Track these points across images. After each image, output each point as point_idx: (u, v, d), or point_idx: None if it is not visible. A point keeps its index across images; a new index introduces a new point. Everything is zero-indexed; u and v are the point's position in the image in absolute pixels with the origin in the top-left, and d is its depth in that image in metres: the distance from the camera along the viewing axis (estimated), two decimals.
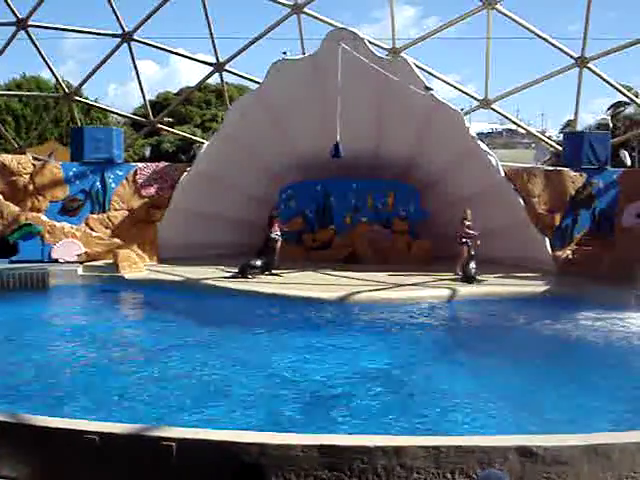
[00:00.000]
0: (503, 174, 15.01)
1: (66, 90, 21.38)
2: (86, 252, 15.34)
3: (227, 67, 19.67)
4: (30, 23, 18.99)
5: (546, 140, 22.06)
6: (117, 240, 15.56)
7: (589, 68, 17.56)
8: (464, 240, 13.76)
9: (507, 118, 20.64)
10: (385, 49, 18.25)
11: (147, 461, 4.45)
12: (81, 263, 14.78)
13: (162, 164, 16.77)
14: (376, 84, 14.27)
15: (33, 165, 15.68)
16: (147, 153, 23.98)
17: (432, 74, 18.51)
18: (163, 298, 12.42)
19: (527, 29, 17.82)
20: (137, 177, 16.18)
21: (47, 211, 15.53)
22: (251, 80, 20.03)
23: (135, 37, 19.25)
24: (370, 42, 15.20)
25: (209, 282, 12.98)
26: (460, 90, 19.30)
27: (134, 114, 28.01)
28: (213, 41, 19.21)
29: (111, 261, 14.46)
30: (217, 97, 39.63)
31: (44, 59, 19.95)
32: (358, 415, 6.19)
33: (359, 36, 14.36)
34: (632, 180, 15.62)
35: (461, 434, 5.35)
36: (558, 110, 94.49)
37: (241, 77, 20.73)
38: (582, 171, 15.69)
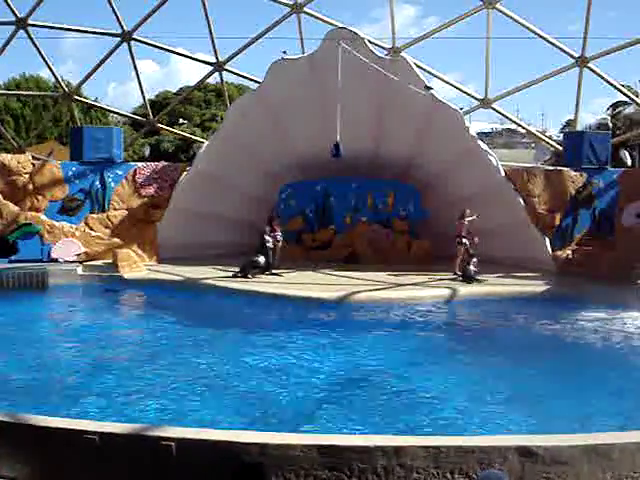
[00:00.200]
0: (503, 174, 15.00)
1: (66, 89, 21.37)
2: (85, 252, 15.32)
3: (227, 67, 19.65)
4: (30, 22, 18.97)
5: (546, 140, 22.06)
6: (117, 240, 15.54)
7: (589, 68, 17.56)
8: (463, 240, 13.74)
9: (507, 118, 20.63)
10: (385, 48, 18.25)
11: (147, 461, 4.44)
12: (81, 263, 14.76)
13: (162, 164, 16.75)
14: (376, 84, 14.26)
15: (32, 165, 15.65)
16: (147, 153, 23.99)
17: (432, 73, 18.51)
18: (163, 298, 12.41)
19: (527, 29, 17.81)
20: (137, 177, 16.16)
21: (46, 211, 15.51)
22: (251, 80, 20.02)
23: (135, 36, 19.22)
24: (370, 42, 15.18)
25: (209, 282, 12.97)
26: (460, 90, 19.30)
27: (134, 114, 28.00)
28: (213, 40, 19.21)
29: (111, 261, 14.45)
30: (217, 97, 39.62)
31: (44, 58, 19.94)
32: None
33: (359, 36, 14.36)
34: (632, 180, 15.62)
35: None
36: (558, 110, 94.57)
37: (241, 77, 20.73)
38: (582, 171, 15.68)
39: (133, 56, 19.70)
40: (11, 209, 15.27)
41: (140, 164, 16.73)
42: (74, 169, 15.86)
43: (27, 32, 19.07)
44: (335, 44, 13.44)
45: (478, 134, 17.69)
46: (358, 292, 11.86)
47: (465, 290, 12.40)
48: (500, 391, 7.06)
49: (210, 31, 19.01)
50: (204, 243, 16.19)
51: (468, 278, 13.14)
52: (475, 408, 6.47)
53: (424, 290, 12.47)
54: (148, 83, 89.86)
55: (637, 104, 23.96)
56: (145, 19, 19.06)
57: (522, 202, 14.92)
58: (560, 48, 17.77)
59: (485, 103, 18.63)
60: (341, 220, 17.19)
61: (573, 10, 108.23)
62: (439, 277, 13.52)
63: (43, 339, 9.44)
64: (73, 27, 20.21)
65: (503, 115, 20.03)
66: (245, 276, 13.51)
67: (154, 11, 18.97)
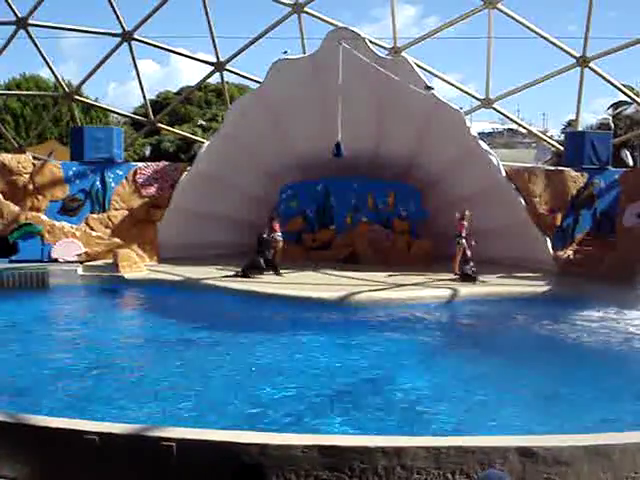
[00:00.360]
0: (504, 174, 14.99)
1: (66, 89, 21.37)
2: (86, 252, 15.32)
3: (227, 66, 19.65)
4: (30, 22, 18.98)
5: (547, 140, 22.05)
6: (117, 240, 15.54)
7: (590, 68, 17.54)
8: (462, 240, 13.71)
9: (508, 118, 20.62)
10: (386, 48, 18.24)
11: (147, 461, 4.43)
12: (81, 263, 14.76)
13: (162, 164, 16.75)
14: (377, 84, 14.26)
15: (33, 165, 15.66)
16: (147, 152, 23.98)
17: (433, 73, 18.50)
18: (163, 298, 12.41)
19: (528, 28, 17.81)
20: (137, 177, 16.16)
21: (47, 211, 15.51)
22: (251, 80, 20.02)
23: (135, 36, 19.23)
24: (371, 42, 15.18)
25: (209, 282, 12.97)
26: (461, 90, 19.29)
27: (134, 113, 27.99)
28: (213, 40, 19.20)
29: (111, 261, 14.45)
30: (217, 96, 39.60)
31: (44, 58, 19.94)
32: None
33: (360, 35, 14.35)
34: (633, 180, 15.59)
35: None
36: (559, 110, 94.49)
37: (241, 76, 20.72)
38: (583, 171, 15.68)
39: (134, 56, 19.72)
40: (11, 209, 15.27)
41: (141, 164, 16.73)
42: (74, 169, 15.87)
43: (27, 32, 19.08)
44: (336, 44, 13.43)
45: (479, 134, 17.65)
46: (358, 292, 11.85)
47: (466, 290, 12.38)
48: (503, 391, 7.06)
49: (211, 31, 19.03)
50: (204, 243, 16.20)
51: (467, 277, 13.13)
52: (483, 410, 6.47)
53: (424, 290, 12.46)
54: (149, 83, 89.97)
55: (638, 104, 23.94)
56: (146, 19, 19.06)
57: (523, 202, 14.91)
58: (561, 48, 17.76)
59: (486, 103, 18.62)
60: (341, 220, 17.19)
61: (573, 10, 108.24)
62: (439, 277, 13.51)
63: (43, 338, 9.43)
64: (73, 27, 20.22)
65: (504, 115, 20.03)
66: (245, 276, 13.51)
67: (155, 11, 18.97)
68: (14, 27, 19.02)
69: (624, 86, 21.16)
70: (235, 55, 19.50)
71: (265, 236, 14.39)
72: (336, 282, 13.25)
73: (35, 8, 18.76)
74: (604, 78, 17.95)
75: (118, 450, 4.50)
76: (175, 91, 42.88)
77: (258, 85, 16.28)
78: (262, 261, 13.95)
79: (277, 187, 17.26)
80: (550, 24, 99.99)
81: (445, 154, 15.34)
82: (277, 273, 13.94)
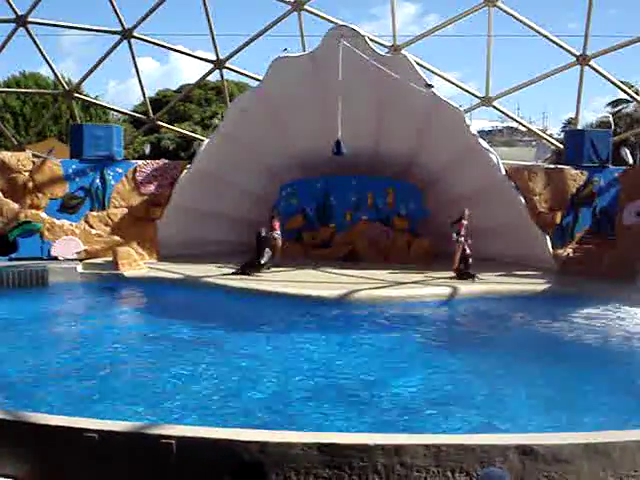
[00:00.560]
0: (504, 172, 14.98)
1: (66, 87, 21.35)
2: (86, 249, 15.32)
3: (227, 64, 19.63)
4: (29, 20, 18.95)
5: (547, 138, 22.03)
6: (117, 238, 15.54)
7: (591, 66, 17.53)
8: (460, 239, 13.70)
9: (508, 116, 20.61)
10: (386, 46, 18.22)
11: (147, 459, 4.43)
12: (81, 261, 14.75)
13: (162, 161, 16.73)
14: (377, 82, 14.23)
15: (33, 162, 15.65)
16: (147, 150, 23.97)
17: (433, 71, 18.47)
18: (163, 295, 12.41)
19: (528, 26, 17.79)
20: (137, 174, 16.15)
21: (47, 208, 15.50)
22: (251, 77, 20.00)
23: (135, 34, 19.20)
24: (371, 39, 15.16)
25: (209, 280, 12.97)
26: (461, 88, 19.28)
27: (134, 111, 27.99)
28: (213, 38, 19.18)
29: (111, 259, 14.44)
30: (217, 94, 39.55)
31: (44, 56, 19.90)
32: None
33: (359, 33, 14.33)
34: (633, 178, 15.59)
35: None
36: (559, 108, 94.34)
37: (241, 74, 20.71)
38: (583, 169, 15.66)
39: (133, 54, 19.70)
40: (11, 207, 15.26)
41: (140, 162, 16.72)
42: (74, 167, 15.86)
43: (27, 30, 19.05)
44: (336, 42, 13.41)
45: (479, 132, 17.65)
46: (358, 290, 11.85)
47: (465, 288, 12.38)
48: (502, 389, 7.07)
49: (210, 29, 19.01)
50: (204, 241, 16.19)
51: (464, 275, 13.14)
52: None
53: (424, 288, 12.46)
54: (148, 81, 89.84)
55: (638, 102, 23.92)
56: (145, 17, 19.03)
57: (523, 200, 14.91)
58: (561, 46, 17.74)
59: (486, 101, 18.61)
60: (341, 218, 17.19)
61: (573, 8, 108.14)
62: (439, 275, 13.52)
63: (42, 337, 9.43)
64: (73, 25, 20.19)
65: (504, 113, 20.01)
66: (245, 274, 13.52)
67: (154, 9, 18.95)
68: (14, 25, 19.00)
69: (623, 83, 21.16)
70: (235, 53, 19.47)
71: (263, 234, 14.39)
72: (336, 280, 13.25)
73: (34, 6, 18.74)
74: (604, 76, 17.94)
75: (118, 448, 4.50)
76: (175, 89, 42.89)
77: (258, 83, 16.26)
78: (263, 260, 13.95)
79: (277, 185, 17.25)
80: (550, 22, 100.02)
81: (445, 152, 15.33)
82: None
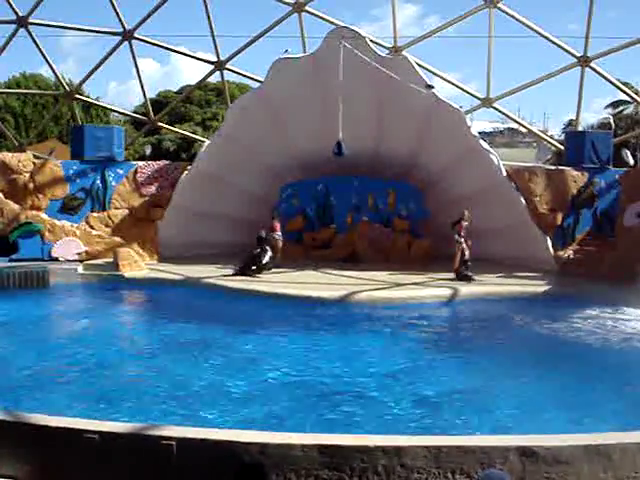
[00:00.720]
0: (505, 173, 14.97)
1: (67, 88, 21.36)
2: (86, 250, 15.33)
3: (228, 65, 19.63)
4: (30, 21, 18.97)
5: (548, 139, 22.04)
6: (117, 239, 15.54)
7: (591, 67, 17.53)
8: (460, 239, 13.70)
9: (509, 117, 20.61)
10: (386, 48, 18.23)
11: (147, 460, 4.43)
12: (81, 262, 14.76)
13: (163, 162, 16.75)
14: (377, 83, 14.24)
15: (33, 163, 15.66)
16: (148, 151, 23.99)
17: (433, 73, 18.47)
18: (163, 296, 12.41)
19: (529, 28, 17.79)
20: (137, 175, 16.17)
21: (47, 209, 15.52)
22: (252, 79, 20.00)
23: (136, 35, 19.21)
24: (371, 41, 15.16)
25: (210, 281, 12.97)
26: (462, 89, 19.28)
27: (135, 112, 27.98)
28: (214, 39, 19.19)
29: (111, 260, 14.45)
30: (217, 95, 39.58)
31: (44, 57, 19.91)
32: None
33: (360, 35, 14.34)
34: (634, 180, 15.59)
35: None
36: (560, 109, 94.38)
37: (242, 75, 20.71)
38: (584, 170, 15.67)
39: (134, 55, 19.70)
40: (12, 208, 15.27)
41: (141, 163, 16.74)
42: (75, 168, 15.88)
43: (28, 31, 19.07)
44: (337, 43, 13.42)
45: (480, 133, 17.67)
46: (359, 292, 11.85)
47: (466, 290, 12.38)
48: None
49: (211, 30, 19.02)
50: (205, 242, 16.19)
51: (463, 277, 13.15)
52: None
53: (425, 290, 12.45)
54: (149, 82, 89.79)
55: (638, 103, 23.93)
56: (146, 18, 19.05)
57: (523, 202, 14.90)
58: (562, 47, 17.75)
59: (487, 102, 18.61)
60: (342, 219, 17.19)
61: (573, 9, 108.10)
62: (439, 277, 13.51)
63: (42, 338, 9.44)
64: (74, 26, 20.20)
65: (505, 114, 20.01)
66: (245, 274, 13.53)
67: (155, 10, 18.96)
68: (14, 26, 19.02)
69: (624, 85, 21.17)
70: (235, 54, 19.49)
71: (264, 235, 14.39)
72: (336, 281, 13.25)
73: (35, 7, 18.75)
74: (605, 78, 17.94)
75: (118, 449, 4.50)
76: (175, 90, 42.89)
77: (258, 84, 16.28)
78: (264, 260, 13.97)
79: (277, 186, 17.25)
80: (551, 23, 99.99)
81: (445, 153, 15.33)
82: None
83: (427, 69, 17.79)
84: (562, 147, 18.47)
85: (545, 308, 11.40)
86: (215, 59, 19.57)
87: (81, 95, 23.61)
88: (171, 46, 20.67)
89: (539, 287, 12.74)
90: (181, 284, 13.01)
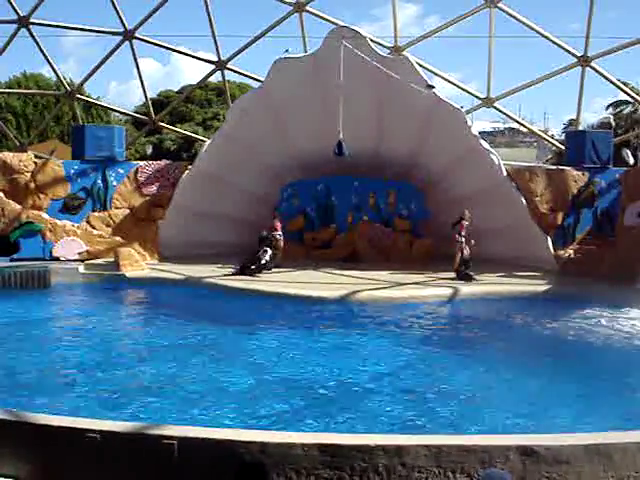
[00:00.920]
0: (505, 173, 14.98)
1: (68, 88, 21.38)
2: (87, 250, 15.35)
3: (229, 65, 19.65)
4: (31, 20, 18.98)
5: (548, 139, 22.05)
6: (118, 238, 15.56)
7: (592, 67, 17.53)
8: (461, 239, 13.70)
9: (509, 117, 20.61)
10: (387, 47, 18.23)
11: (149, 460, 4.44)
12: (82, 261, 14.78)
13: (163, 162, 16.76)
14: (378, 82, 14.24)
15: (34, 163, 15.68)
16: (149, 151, 23.99)
17: (434, 72, 18.49)
18: (164, 296, 12.41)
19: (529, 27, 17.79)
20: (138, 175, 16.19)
21: (48, 209, 15.54)
22: (253, 78, 20.02)
23: (137, 35, 19.23)
24: (372, 41, 15.17)
25: (210, 280, 12.98)
26: (462, 89, 19.30)
27: (135, 112, 28.00)
28: (215, 39, 19.20)
29: (112, 259, 14.46)
30: (218, 95, 39.59)
31: (46, 57, 19.94)
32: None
33: (361, 34, 14.35)
34: (634, 179, 15.57)
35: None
36: (560, 109, 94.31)
37: (243, 75, 20.73)
38: (584, 170, 15.66)
39: (135, 55, 19.72)
40: (13, 207, 15.30)
41: (142, 163, 16.75)
42: (76, 167, 15.90)
43: (29, 30, 19.09)
44: (337, 43, 13.43)
45: (480, 133, 17.65)
46: (359, 291, 11.85)
47: (467, 289, 12.38)
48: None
49: (212, 30, 19.03)
50: (205, 242, 16.21)
51: (463, 276, 13.16)
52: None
53: (426, 289, 12.46)
54: (150, 82, 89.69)
55: (639, 103, 23.92)
56: (147, 18, 19.07)
57: (524, 201, 14.91)
58: (562, 47, 17.75)
59: (487, 102, 18.61)
60: (342, 219, 17.20)
61: (573, 9, 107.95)
62: (440, 276, 13.52)
63: (44, 337, 9.45)
64: (75, 26, 20.24)
65: (505, 114, 20.02)
66: (245, 274, 13.54)
67: (156, 10, 18.98)
68: (16, 25, 19.04)
69: (625, 84, 21.17)
70: (236, 54, 19.51)
71: (265, 235, 14.41)
72: (337, 281, 13.26)
73: (36, 7, 18.78)
74: (605, 77, 17.94)
75: (120, 448, 4.51)
76: (176, 90, 42.88)
77: (259, 84, 16.29)
78: (264, 260, 13.99)
79: (278, 186, 17.26)
80: (551, 23, 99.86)
81: (446, 153, 15.34)
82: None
83: (427, 69, 17.80)
84: (562, 147, 18.48)
85: (545, 308, 11.40)
86: (216, 59, 19.59)
87: (82, 95, 23.63)
88: (172, 46, 20.73)
89: (539, 287, 12.74)
90: (182, 284, 13.02)
